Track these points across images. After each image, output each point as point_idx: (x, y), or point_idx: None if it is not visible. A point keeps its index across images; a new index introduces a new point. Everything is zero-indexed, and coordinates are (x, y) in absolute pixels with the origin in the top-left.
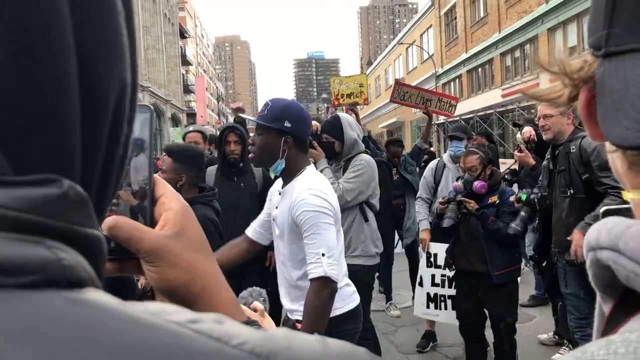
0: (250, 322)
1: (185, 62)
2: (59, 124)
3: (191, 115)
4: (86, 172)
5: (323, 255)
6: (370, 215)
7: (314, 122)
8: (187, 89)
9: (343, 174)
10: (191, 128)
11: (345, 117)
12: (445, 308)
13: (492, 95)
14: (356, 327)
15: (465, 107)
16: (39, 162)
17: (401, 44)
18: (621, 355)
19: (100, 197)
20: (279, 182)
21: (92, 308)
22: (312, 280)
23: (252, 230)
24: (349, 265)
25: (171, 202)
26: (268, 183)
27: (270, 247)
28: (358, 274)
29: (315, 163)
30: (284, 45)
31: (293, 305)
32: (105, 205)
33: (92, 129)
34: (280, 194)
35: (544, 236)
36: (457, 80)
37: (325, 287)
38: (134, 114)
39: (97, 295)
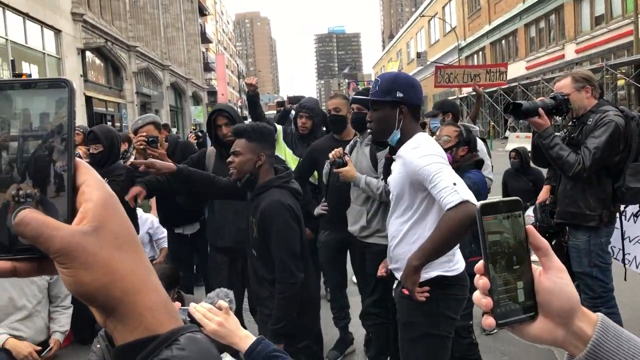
0: (185, 329)
1: (205, 39)
2: None
3: (212, 94)
4: None
5: (455, 184)
6: None
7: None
8: (207, 67)
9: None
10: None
11: None
12: None
13: (517, 68)
14: (463, 293)
15: None
16: None
17: (423, 16)
18: None
19: None
20: (382, 154)
21: None
22: (449, 208)
23: None
24: (379, 245)
25: (92, 191)
26: None
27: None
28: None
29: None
30: (304, 20)
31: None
32: None
33: None
34: (385, 160)
35: (552, 215)
36: (480, 52)
37: (465, 208)
38: None
39: None
